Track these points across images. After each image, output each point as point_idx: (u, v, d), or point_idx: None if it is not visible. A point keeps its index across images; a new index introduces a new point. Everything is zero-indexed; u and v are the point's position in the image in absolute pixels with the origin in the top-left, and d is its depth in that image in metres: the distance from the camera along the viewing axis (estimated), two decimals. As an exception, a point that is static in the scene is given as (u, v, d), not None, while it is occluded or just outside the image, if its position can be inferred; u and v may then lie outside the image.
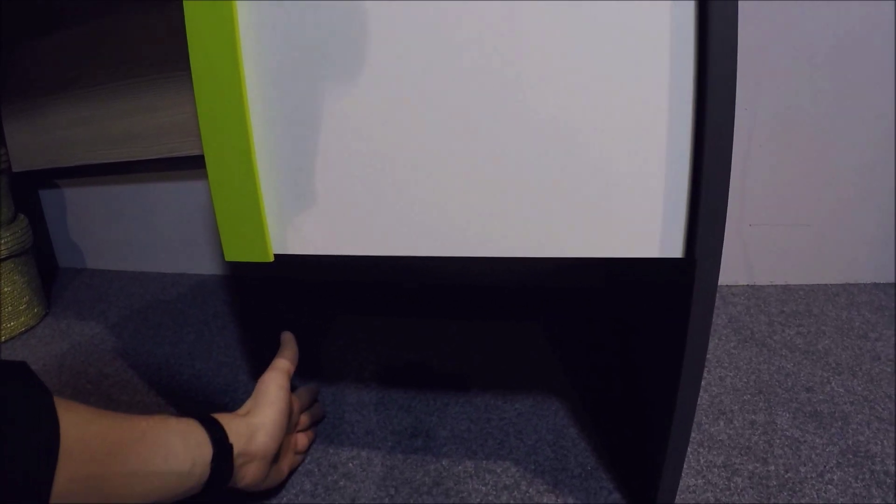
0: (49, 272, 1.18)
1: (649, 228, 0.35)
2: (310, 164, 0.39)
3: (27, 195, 1.18)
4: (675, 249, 0.35)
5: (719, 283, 0.91)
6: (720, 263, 0.33)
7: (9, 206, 0.94)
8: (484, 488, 0.52)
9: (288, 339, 0.58)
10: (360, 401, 0.65)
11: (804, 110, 0.81)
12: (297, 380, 0.70)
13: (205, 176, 1.06)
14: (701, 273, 0.33)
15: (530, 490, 0.51)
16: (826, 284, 0.90)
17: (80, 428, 0.36)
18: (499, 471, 0.54)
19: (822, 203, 0.86)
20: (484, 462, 0.55)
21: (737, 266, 0.91)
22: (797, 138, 0.83)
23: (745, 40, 0.75)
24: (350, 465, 0.55)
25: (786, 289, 0.89)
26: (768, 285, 0.91)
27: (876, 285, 0.89)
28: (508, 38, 0.34)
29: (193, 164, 1.04)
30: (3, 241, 0.89)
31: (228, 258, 0.41)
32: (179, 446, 0.42)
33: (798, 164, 0.84)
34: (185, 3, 0.36)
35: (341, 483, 0.53)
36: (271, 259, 0.41)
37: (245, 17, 0.37)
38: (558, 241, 0.37)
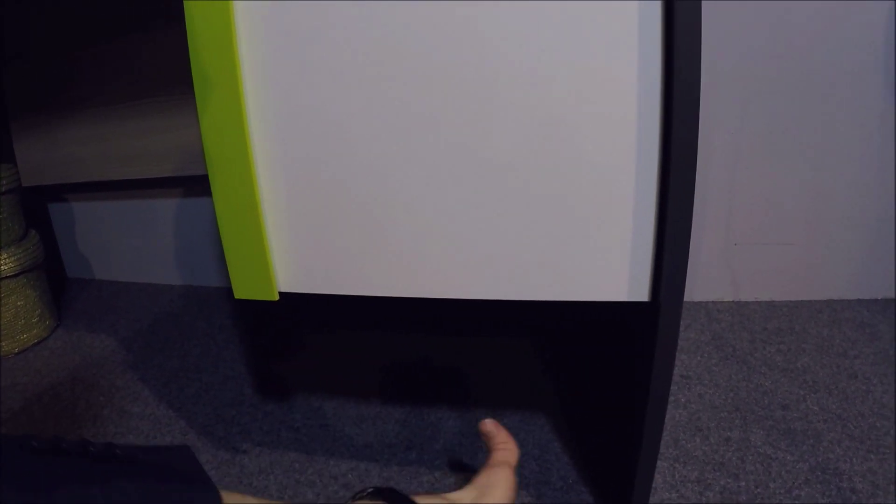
0: (58, 283, 1.22)
1: (618, 274, 0.38)
2: (313, 207, 0.43)
3: (36, 208, 1.21)
4: (642, 294, 0.38)
5: (706, 298, 0.95)
6: (682, 306, 0.37)
7: (20, 223, 0.97)
8: (474, 500, 0.55)
9: (493, 429, 0.50)
10: (359, 414, 0.69)
11: (789, 133, 0.84)
12: (306, 394, 0.73)
13: (210, 193, 1.09)
14: (664, 315, 0.37)
15: (516, 502, 0.55)
16: (810, 301, 0.93)
17: None
18: (489, 483, 0.57)
19: (807, 222, 0.89)
20: (473, 474, 0.58)
21: (723, 283, 0.94)
22: (781, 161, 0.86)
23: (731, 67, 0.79)
24: (349, 476, 0.59)
25: (770, 305, 0.93)
26: (753, 301, 0.94)
27: (860, 301, 0.92)
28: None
29: (199, 183, 1.08)
30: (16, 258, 0.92)
31: (237, 296, 0.45)
32: None
33: (782, 185, 0.87)
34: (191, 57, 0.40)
35: (341, 493, 0.57)
36: (276, 298, 0.44)
37: (248, 69, 0.40)
38: (532, 285, 0.41)
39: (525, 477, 0.58)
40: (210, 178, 0.42)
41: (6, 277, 0.92)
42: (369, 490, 0.40)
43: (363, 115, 0.40)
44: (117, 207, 1.19)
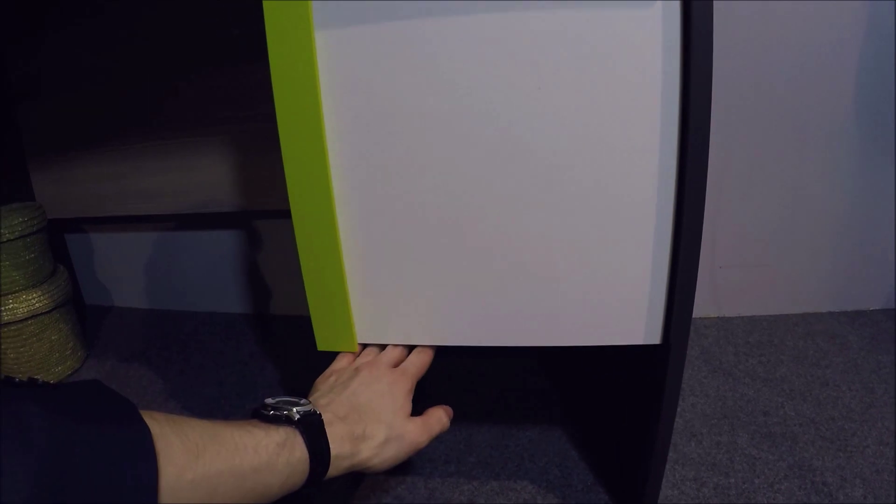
0: (79, 310, 1.25)
1: (635, 320, 0.47)
2: (389, 259, 0.50)
3: (52, 237, 1.24)
4: (655, 337, 0.47)
5: (694, 315, 1.04)
6: (687, 345, 0.46)
7: (49, 259, 1.02)
8: (507, 503, 0.64)
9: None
10: (395, 433, 0.77)
11: (767, 166, 0.94)
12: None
13: (230, 226, 1.13)
14: (674, 354, 0.46)
15: (544, 503, 0.64)
16: (787, 315, 1.03)
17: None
18: (518, 488, 0.66)
19: (782, 245, 0.99)
20: (506, 482, 0.67)
21: (709, 301, 1.04)
22: (758, 194, 0.96)
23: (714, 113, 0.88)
24: (399, 489, 0.67)
25: (751, 320, 1.02)
26: (736, 317, 1.04)
27: (831, 314, 1.02)
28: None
29: (221, 219, 1.13)
30: (49, 294, 0.97)
31: (320, 348, 0.52)
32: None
33: (760, 214, 0.97)
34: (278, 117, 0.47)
35: (390, 506, 0.65)
36: (356, 350, 0.52)
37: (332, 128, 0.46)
38: (559, 332, 0.49)
39: (549, 481, 0.67)
40: (298, 241, 0.49)
41: (42, 314, 0.97)
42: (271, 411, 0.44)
43: (431, 173, 0.47)
44: (136, 237, 1.23)
